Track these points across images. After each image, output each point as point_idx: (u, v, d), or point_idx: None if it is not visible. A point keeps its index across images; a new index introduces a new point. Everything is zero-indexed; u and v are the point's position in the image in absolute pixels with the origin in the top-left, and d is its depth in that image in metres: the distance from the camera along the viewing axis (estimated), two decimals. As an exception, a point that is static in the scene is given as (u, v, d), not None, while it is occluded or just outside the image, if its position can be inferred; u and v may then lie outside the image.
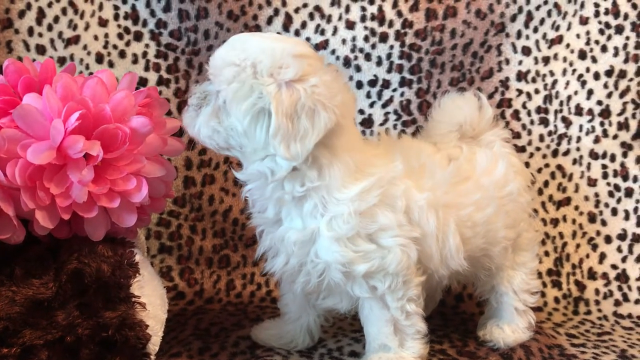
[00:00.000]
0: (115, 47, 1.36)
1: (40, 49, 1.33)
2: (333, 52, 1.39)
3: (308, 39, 1.38)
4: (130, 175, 0.90)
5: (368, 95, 1.41)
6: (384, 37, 1.39)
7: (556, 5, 1.40)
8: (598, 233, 1.41)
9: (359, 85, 1.40)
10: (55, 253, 0.90)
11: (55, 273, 0.86)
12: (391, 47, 1.39)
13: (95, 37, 1.35)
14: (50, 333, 0.82)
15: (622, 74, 1.41)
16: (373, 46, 1.39)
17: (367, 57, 1.39)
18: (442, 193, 0.99)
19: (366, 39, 1.39)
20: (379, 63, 1.40)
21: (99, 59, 1.35)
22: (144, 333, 0.88)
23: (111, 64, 1.36)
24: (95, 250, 0.89)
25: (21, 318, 0.81)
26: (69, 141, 0.85)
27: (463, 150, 1.09)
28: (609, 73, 1.41)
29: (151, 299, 0.91)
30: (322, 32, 1.38)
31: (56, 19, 1.34)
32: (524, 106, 1.42)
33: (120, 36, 1.36)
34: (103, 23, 1.35)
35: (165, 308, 0.96)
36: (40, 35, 1.34)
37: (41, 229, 0.86)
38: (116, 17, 1.36)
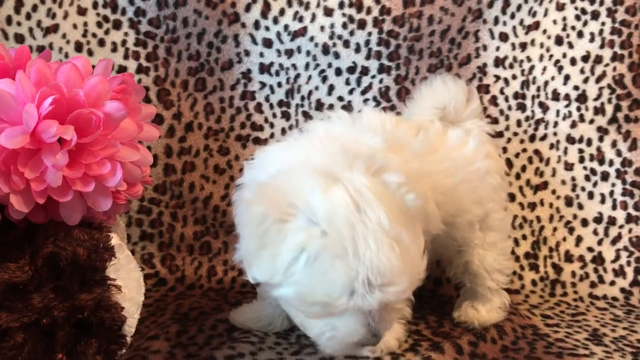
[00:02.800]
0: (94, 35, 1.36)
1: (19, 38, 1.33)
2: (311, 39, 1.39)
3: (286, 26, 1.39)
4: (105, 160, 0.90)
5: (347, 82, 1.42)
6: (362, 24, 1.39)
7: (533, -9, 1.41)
8: (575, 216, 1.43)
9: (338, 72, 1.41)
10: (31, 237, 0.90)
11: (31, 257, 0.86)
12: (369, 33, 1.40)
13: (74, 26, 1.35)
14: (26, 315, 0.83)
15: (598, 60, 1.42)
16: (351, 33, 1.40)
17: (346, 44, 1.40)
18: (419, 163, 1.00)
19: (344, 25, 1.39)
20: (358, 50, 1.40)
21: (78, 47, 1.35)
22: (120, 315, 0.89)
23: (90, 53, 1.36)
24: (71, 234, 0.89)
25: (-3, 301, 0.82)
26: (42, 126, 0.85)
27: (435, 124, 1.11)
28: (585, 58, 1.42)
29: (127, 281, 0.92)
30: (301, 19, 1.39)
31: (35, 8, 1.34)
32: (501, 92, 1.43)
33: (99, 24, 1.36)
34: (82, 11, 1.36)
35: (141, 291, 0.96)
36: (18, 24, 1.34)
37: (16, 213, 0.87)
38: (95, 5, 1.36)
